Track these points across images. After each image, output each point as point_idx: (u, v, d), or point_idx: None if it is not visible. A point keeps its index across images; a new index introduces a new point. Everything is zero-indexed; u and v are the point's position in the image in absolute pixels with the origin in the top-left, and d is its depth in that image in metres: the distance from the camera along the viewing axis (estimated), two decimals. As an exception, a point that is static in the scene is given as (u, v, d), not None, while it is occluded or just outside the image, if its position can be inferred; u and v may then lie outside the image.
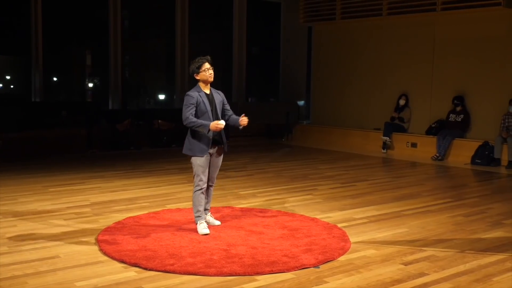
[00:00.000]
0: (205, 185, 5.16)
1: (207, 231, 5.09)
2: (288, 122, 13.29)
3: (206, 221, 5.33)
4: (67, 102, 12.29)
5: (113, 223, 5.42)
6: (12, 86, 12.67)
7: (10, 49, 11.88)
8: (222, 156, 5.28)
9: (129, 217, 5.67)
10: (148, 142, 11.44)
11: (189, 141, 5.12)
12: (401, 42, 11.73)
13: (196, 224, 5.15)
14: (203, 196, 5.14)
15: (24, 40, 11.40)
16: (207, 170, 5.13)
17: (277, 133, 13.54)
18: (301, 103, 14.45)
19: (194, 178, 5.14)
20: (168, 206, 6.18)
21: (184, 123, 5.05)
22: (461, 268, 4.29)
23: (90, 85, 13.06)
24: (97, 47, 12.76)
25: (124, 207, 6.16)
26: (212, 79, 5.17)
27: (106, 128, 11.13)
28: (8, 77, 12.58)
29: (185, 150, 5.16)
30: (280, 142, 13.09)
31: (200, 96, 5.08)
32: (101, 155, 10.38)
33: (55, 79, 12.59)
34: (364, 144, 11.91)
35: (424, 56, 11.34)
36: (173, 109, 12.50)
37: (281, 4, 14.55)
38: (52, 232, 5.11)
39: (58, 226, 5.34)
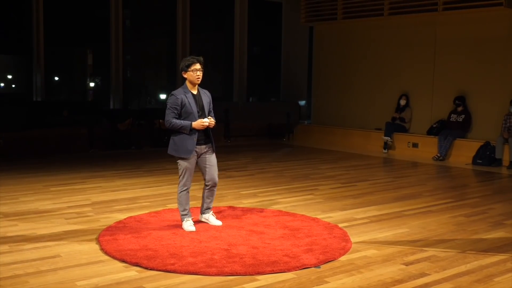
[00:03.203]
0: (190, 186, 5.17)
1: (192, 228, 5.12)
2: (289, 122, 13.29)
3: (207, 220, 5.34)
4: (68, 102, 12.29)
5: (114, 222, 5.42)
6: (13, 86, 12.68)
7: (11, 48, 11.88)
8: (214, 155, 5.20)
9: (130, 216, 5.67)
10: (149, 141, 11.44)
11: (174, 141, 5.08)
12: (402, 42, 11.72)
13: (182, 221, 5.19)
14: (188, 196, 5.17)
15: (25, 40, 11.40)
16: (193, 171, 5.12)
17: (278, 133, 13.54)
18: (302, 103, 14.44)
19: (179, 178, 5.13)
20: (169, 206, 6.18)
21: (166, 126, 5.04)
22: (462, 268, 4.29)
23: (92, 84, 13.07)
24: (98, 46, 12.76)
25: (125, 206, 6.16)
26: (198, 82, 5.05)
27: (107, 128, 11.13)
28: (9, 77, 12.58)
29: (170, 151, 5.11)
30: (281, 142, 13.09)
31: (186, 97, 4.99)
32: (102, 154, 10.38)
33: (56, 78, 12.60)
34: (365, 144, 11.90)
35: (425, 56, 11.33)
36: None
37: (283, 4, 14.55)
38: (53, 232, 5.11)
39: (59, 225, 5.34)
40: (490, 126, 10.33)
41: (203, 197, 5.33)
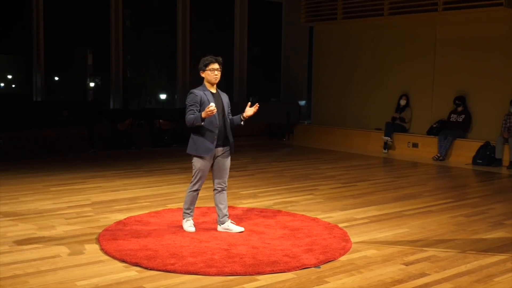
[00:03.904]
0: (201, 188, 5.12)
1: (192, 229, 5.09)
2: (289, 122, 13.29)
3: (228, 229, 5.11)
4: (68, 102, 12.29)
5: (114, 222, 5.42)
6: (13, 86, 12.68)
7: (11, 48, 11.88)
8: (229, 158, 5.10)
9: (130, 216, 5.67)
10: (149, 141, 11.44)
11: (193, 141, 4.98)
12: (402, 42, 11.72)
13: (183, 220, 5.18)
14: (196, 197, 5.13)
15: (25, 40, 11.40)
16: (206, 174, 5.04)
17: (278, 133, 13.54)
18: (302, 103, 14.44)
19: (192, 178, 5.08)
20: (169, 206, 6.19)
21: (186, 125, 4.94)
22: (462, 268, 4.29)
23: (92, 84, 13.07)
24: (98, 46, 12.76)
25: (125, 206, 6.16)
26: (216, 81, 4.99)
27: (107, 128, 11.14)
28: (9, 77, 12.58)
29: (189, 150, 5.01)
30: (281, 142, 13.09)
31: (205, 95, 4.93)
32: (102, 154, 10.38)
33: (56, 78, 12.59)
34: (365, 144, 11.90)
35: (425, 56, 11.33)
36: (174, 109, 12.50)
37: (283, 4, 14.55)
38: (53, 232, 5.11)
39: (59, 225, 5.34)
40: (490, 126, 10.33)
41: (216, 204, 5.14)
